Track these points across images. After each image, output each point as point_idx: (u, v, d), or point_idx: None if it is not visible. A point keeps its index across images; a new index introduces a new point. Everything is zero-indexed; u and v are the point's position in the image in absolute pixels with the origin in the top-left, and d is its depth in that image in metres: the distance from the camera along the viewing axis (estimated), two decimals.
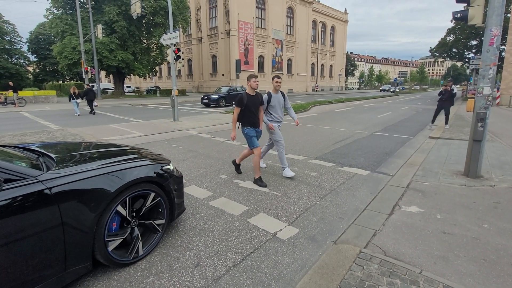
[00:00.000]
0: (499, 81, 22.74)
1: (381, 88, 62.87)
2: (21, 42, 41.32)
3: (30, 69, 46.88)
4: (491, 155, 6.01)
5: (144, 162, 2.58)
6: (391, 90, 57.20)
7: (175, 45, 12.24)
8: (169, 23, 12.51)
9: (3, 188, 1.66)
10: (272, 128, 4.54)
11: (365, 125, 11.07)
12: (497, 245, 2.63)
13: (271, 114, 4.67)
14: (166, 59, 35.07)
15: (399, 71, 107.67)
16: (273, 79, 4.58)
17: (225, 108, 18.33)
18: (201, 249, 2.60)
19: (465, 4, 4.50)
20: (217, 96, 19.76)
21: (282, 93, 4.72)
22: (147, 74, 35.14)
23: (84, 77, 23.71)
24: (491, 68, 4.25)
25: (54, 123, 11.28)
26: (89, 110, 15.18)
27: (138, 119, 12.85)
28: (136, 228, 2.41)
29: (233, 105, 4.30)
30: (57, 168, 2.08)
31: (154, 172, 2.56)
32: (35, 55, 45.16)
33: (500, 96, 20.82)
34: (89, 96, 15.00)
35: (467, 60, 38.24)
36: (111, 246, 2.18)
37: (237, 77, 31.27)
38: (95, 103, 15.25)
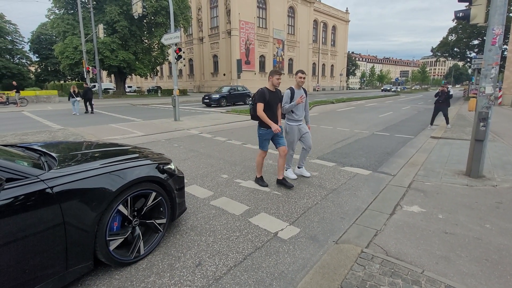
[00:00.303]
0: (501, 80, 22.66)
1: (382, 88, 62.76)
2: (23, 42, 41.53)
3: (32, 69, 47.06)
4: (493, 155, 5.98)
5: (145, 162, 2.58)
6: (392, 90, 57.08)
7: (176, 44, 12.25)
8: (170, 23, 12.52)
9: (5, 187, 1.66)
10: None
11: (366, 125, 11.05)
12: (499, 245, 2.61)
13: (292, 112, 4.32)
14: (167, 59, 35.21)
15: (401, 71, 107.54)
16: (296, 73, 4.25)
17: (226, 108, 18.35)
18: (202, 249, 2.60)
19: (467, 3, 4.48)
20: (218, 96, 19.78)
21: (304, 90, 4.38)
22: (148, 74, 35.19)
23: (85, 77, 23.77)
24: (493, 67, 4.23)
25: (55, 123, 11.31)
26: (85, 110, 15.46)
27: (139, 118, 12.87)
28: (137, 228, 2.41)
29: (250, 102, 4.07)
30: (58, 167, 2.08)
31: (156, 172, 2.55)
32: (37, 55, 45.32)
33: (502, 95, 20.74)
34: (88, 95, 15.23)
35: (468, 59, 38.11)
36: (112, 246, 2.19)
37: (238, 77, 31.30)
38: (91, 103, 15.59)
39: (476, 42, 35.16)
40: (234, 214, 3.33)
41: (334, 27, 60.81)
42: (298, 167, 4.74)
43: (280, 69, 47.07)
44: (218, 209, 3.47)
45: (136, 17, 19.36)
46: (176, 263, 2.40)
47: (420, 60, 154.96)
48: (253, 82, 40.93)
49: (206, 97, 20.00)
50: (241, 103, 21.48)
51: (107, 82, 49.16)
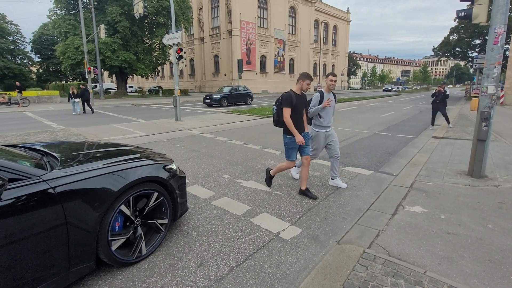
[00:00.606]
0: (503, 80, 22.57)
1: (383, 88, 62.63)
2: (24, 43, 41.69)
3: (34, 69, 47.20)
4: (495, 155, 5.96)
5: (147, 162, 2.58)
6: (393, 89, 56.97)
7: (177, 45, 12.26)
8: (172, 23, 12.54)
9: (8, 187, 1.66)
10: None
11: (368, 124, 11.03)
12: (502, 246, 2.60)
13: (320, 117, 3.98)
14: (169, 59, 35.26)
15: (402, 71, 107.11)
16: (327, 76, 3.94)
17: (227, 108, 18.35)
18: (204, 249, 2.60)
19: (469, 3, 4.47)
20: (219, 96, 19.79)
21: (334, 94, 4.07)
22: (149, 74, 35.27)
23: (87, 77, 23.80)
24: (495, 67, 4.21)
25: (57, 123, 11.34)
26: (83, 111, 15.72)
27: (141, 119, 12.89)
28: (139, 228, 2.42)
29: (274, 107, 3.74)
30: (60, 167, 2.09)
31: (157, 172, 2.55)
32: (39, 56, 45.45)
33: (504, 95, 20.66)
34: (85, 96, 15.59)
35: (470, 59, 37.99)
36: (114, 246, 2.19)
37: (239, 77, 31.25)
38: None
39: (477, 41, 35.04)
40: (235, 214, 3.33)
41: (335, 27, 60.75)
42: (332, 179, 4.28)
43: (281, 69, 47.10)
44: (219, 209, 3.47)
45: (137, 17, 19.40)
46: (178, 263, 2.40)
47: (422, 60, 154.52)
48: (254, 82, 40.98)
49: (207, 97, 20.02)
50: (242, 103, 21.49)
51: (109, 82, 49.23)
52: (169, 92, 36.21)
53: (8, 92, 21.68)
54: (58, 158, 2.30)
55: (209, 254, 2.53)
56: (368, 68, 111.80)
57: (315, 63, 55.19)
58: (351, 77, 79.41)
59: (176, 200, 2.72)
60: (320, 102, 3.90)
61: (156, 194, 2.50)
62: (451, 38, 37.55)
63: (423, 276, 2.14)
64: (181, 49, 12.26)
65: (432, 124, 10.54)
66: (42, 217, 1.76)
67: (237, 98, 21.22)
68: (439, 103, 10.13)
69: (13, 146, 2.67)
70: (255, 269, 2.33)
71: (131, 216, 2.32)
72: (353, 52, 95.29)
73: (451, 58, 44.51)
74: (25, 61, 42.80)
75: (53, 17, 29.49)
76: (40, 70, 47.25)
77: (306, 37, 51.78)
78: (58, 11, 29.28)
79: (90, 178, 2.06)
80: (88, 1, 28.36)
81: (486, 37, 28.45)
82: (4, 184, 1.62)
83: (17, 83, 20.61)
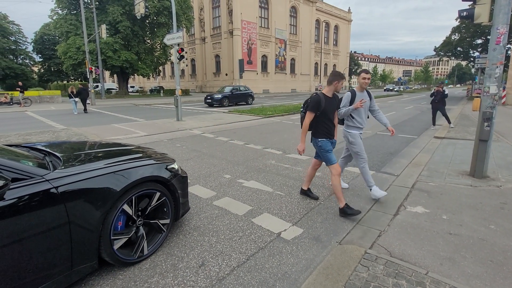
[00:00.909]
0: (505, 80, 22.48)
1: (385, 88, 62.50)
2: (26, 43, 41.73)
3: (35, 69, 47.29)
4: (497, 155, 5.94)
5: (149, 162, 2.59)
6: (395, 89, 56.86)
7: (178, 45, 12.27)
8: (173, 23, 12.54)
9: (11, 187, 1.67)
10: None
11: (369, 124, 10.90)
12: (504, 246, 2.59)
13: (353, 118, 3.73)
14: (170, 59, 35.26)
15: (403, 70, 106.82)
16: (359, 74, 3.68)
17: (228, 108, 18.36)
18: (206, 249, 2.61)
19: (471, 2, 4.46)
20: (220, 96, 19.80)
21: (368, 92, 3.82)
22: (150, 74, 35.31)
23: (88, 77, 23.82)
24: (497, 67, 4.20)
25: (59, 123, 11.38)
26: (84, 110, 15.92)
27: (142, 118, 12.91)
28: (141, 227, 2.42)
29: (301, 109, 3.59)
30: (63, 167, 2.09)
31: (159, 172, 2.56)
32: (40, 55, 45.52)
33: (506, 95, 20.58)
34: (83, 95, 16.02)
35: (472, 59, 37.85)
36: (116, 245, 2.20)
37: (240, 77, 31.24)
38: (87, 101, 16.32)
39: (479, 41, 34.91)
40: (237, 214, 3.33)
41: (336, 27, 60.67)
42: (371, 188, 3.77)
43: (282, 69, 47.06)
44: (221, 209, 3.47)
45: (138, 18, 19.44)
46: (179, 263, 2.40)
47: (423, 60, 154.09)
48: (255, 82, 40.97)
49: (208, 97, 20.02)
50: (243, 103, 21.49)
51: (110, 82, 49.35)
52: (170, 92, 36.26)
53: (10, 92, 21.75)
54: (61, 158, 2.31)
55: (210, 254, 2.53)
56: (370, 68, 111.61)
57: (316, 63, 55.15)
58: (352, 77, 79.24)
59: (178, 200, 2.72)
60: (351, 102, 3.66)
61: (158, 194, 2.51)
62: (452, 38, 37.45)
63: (425, 277, 2.14)
64: (182, 49, 12.27)
65: (433, 124, 10.53)
66: (45, 216, 1.77)
67: (238, 98, 21.22)
68: (438, 102, 10.15)
69: (16, 145, 2.68)
70: (256, 269, 2.33)
71: (133, 216, 2.33)
72: (354, 52, 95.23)
73: (453, 58, 44.41)
74: (27, 61, 42.88)
75: (54, 17, 29.54)
76: (42, 70, 47.33)
77: (307, 37, 51.73)
78: (60, 11, 29.34)
79: (92, 177, 2.06)
80: (89, 1, 28.41)
81: (488, 37, 28.41)
82: (7, 184, 1.63)
83: (20, 83, 20.68)
